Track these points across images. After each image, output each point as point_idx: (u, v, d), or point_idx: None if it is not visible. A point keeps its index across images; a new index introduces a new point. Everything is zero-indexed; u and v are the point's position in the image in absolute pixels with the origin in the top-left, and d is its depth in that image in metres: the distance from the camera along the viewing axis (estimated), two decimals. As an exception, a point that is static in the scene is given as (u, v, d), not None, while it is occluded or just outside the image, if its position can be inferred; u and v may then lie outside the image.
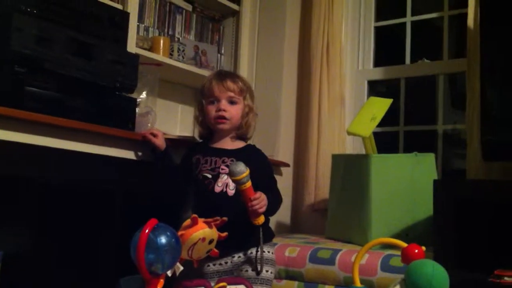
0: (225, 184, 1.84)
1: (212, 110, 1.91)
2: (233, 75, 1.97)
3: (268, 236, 1.90)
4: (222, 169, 1.86)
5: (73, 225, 1.79)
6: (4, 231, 1.65)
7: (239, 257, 1.83)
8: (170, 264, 1.32)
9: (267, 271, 1.83)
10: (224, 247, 1.56)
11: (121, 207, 1.94)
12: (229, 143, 1.95)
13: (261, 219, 1.75)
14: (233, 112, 1.91)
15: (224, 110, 1.89)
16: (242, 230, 1.72)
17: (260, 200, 1.72)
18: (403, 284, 1.30)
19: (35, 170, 1.70)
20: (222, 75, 1.94)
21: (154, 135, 1.97)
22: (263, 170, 1.93)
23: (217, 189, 1.85)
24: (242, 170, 1.68)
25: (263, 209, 1.73)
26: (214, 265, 1.83)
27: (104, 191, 1.89)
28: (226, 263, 1.83)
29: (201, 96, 1.97)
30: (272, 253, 1.89)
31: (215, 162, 1.89)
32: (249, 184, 1.70)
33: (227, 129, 1.93)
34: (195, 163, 1.92)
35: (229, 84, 1.90)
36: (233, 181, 1.72)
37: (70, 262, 1.78)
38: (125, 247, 1.33)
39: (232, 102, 1.91)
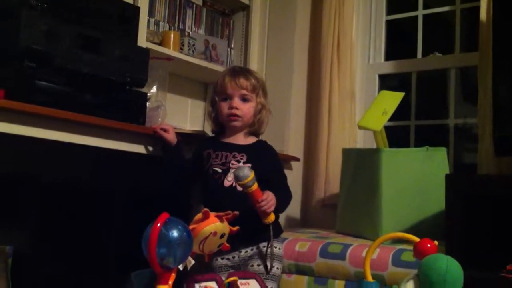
0: (235, 179, 1.84)
1: (224, 107, 1.92)
2: (246, 72, 1.98)
3: (277, 231, 1.90)
4: (233, 164, 1.87)
5: (83, 220, 1.80)
6: (13, 226, 1.66)
7: (246, 252, 1.84)
8: (181, 258, 1.32)
9: (274, 267, 1.83)
10: (232, 242, 1.56)
11: (131, 202, 1.94)
12: (241, 139, 1.97)
13: (271, 218, 1.75)
14: (245, 109, 1.92)
15: (236, 108, 1.91)
16: (250, 225, 1.72)
17: (268, 201, 1.72)
18: (416, 279, 1.29)
19: (44, 165, 1.71)
20: (236, 72, 1.95)
21: (165, 130, 1.97)
22: (274, 166, 1.93)
23: (227, 183, 1.86)
24: (247, 174, 1.69)
25: (271, 209, 1.74)
26: (222, 259, 1.84)
27: (113, 186, 1.89)
28: (233, 257, 1.84)
29: (214, 92, 1.99)
30: (280, 248, 1.89)
31: (226, 157, 1.89)
32: (255, 186, 1.71)
33: (239, 126, 1.94)
34: (206, 157, 1.93)
35: (242, 81, 1.91)
36: (239, 185, 1.73)
37: (80, 257, 1.79)
38: (135, 242, 1.34)
39: (244, 99, 1.92)
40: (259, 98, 1.95)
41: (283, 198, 1.86)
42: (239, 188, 1.81)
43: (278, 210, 1.82)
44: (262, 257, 1.83)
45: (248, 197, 1.72)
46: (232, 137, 1.97)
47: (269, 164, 1.90)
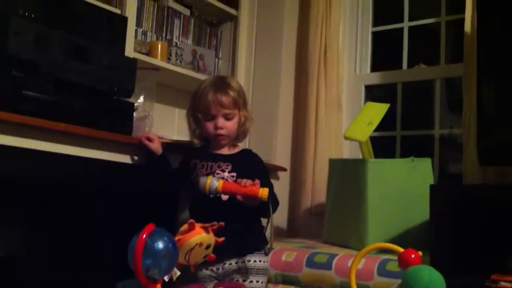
0: None
1: (210, 126, 1.93)
2: (225, 87, 1.95)
3: (260, 243, 1.91)
4: (217, 173, 1.88)
5: (70, 229, 1.79)
6: (1, 234, 1.65)
7: (230, 264, 1.84)
8: (167, 269, 1.32)
9: (258, 281, 1.83)
10: (217, 253, 1.56)
11: (118, 211, 1.94)
12: (226, 150, 1.99)
13: (262, 192, 1.73)
14: (230, 127, 1.94)
15: (221, 128, 1.92)
16: (234, 237, 1.73)
17: (242, 180, 1.75)
18: (400, 289, 1.30)
19: (31, 174, 1.71)
20: (216, 88, 1.93)
21: (150, 140, 1.97)
22: (259, 174, 1.93)
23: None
24: (203, 181, 1.72)
25: (249, 183, 1.75)
26: (206, 269, 1.84)
27: (99, 194, 1.89)
28: (217, 269, 1.84)
29: (195, 110, 1.97)
30: (266, 262, 1.90)
31: (211, 167, 1.91)
32: (220, 182, 1.73)
33: (226, 143, 1.97)
34: (193, 167, 1.93)
35: (224, 99, 1.91)
36: (209, 191, 1.74)
37: (68, 265, 1.78)
38: (122, 250, 1.33)
39: (228, 118, 1.93)
40: (241, 112, 1.97)
41: (275, 199, 1.88)
42: (224, 198, 1.82)
43: (265, 212, 1.82)
44: (246, 272, 1.83)
45: (227, 192, 1.75)
46: (218, 149, 1.98)
47: (255, 172, 1.90)
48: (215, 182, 1.73)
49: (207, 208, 1.83)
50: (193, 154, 1.99)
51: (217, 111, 1.92)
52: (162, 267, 1.30)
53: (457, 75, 2.60)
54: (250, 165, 1.94)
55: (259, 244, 1.89)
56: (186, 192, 1.99)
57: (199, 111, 1.96)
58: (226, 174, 1.88)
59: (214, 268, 1.84)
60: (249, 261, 1.84)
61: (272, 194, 1.93)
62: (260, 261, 1.86)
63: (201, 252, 1.47)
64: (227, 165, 1.90)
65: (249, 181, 1.75)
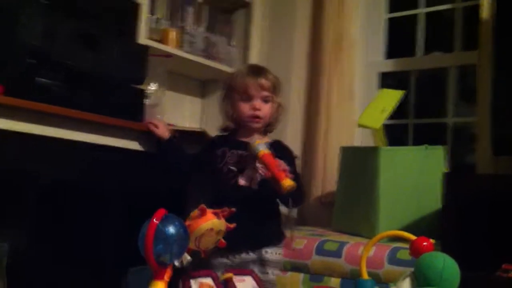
0: (250, 178, 1.85)
1: (245, 107, 1.90)
2: (265, 72, 1.95)
3: (279, 237, 1.92)
4: (248, 162, 1.86)
5: (80, 217, 1.81)
6: (9, 224, 1.66)
7: (248, 254, 1.84)
8: (178, 255, 1.33)
9: (273, 273, 1.85)
10: (237, 242, 1.56)
11: (129, 198, 1.95)
12: (257, 138, 1.92)
13: (290, 183, 1.69)
14: (266, 110, 1.92)
15: (259, 109, 1.90)
16: (259, 227, 1.73)
17: (282, 163, 1.74)
18: (413, 277, 1.30)
19: (42, 162, 1.72)
20: (256, 72, 1.93)
21: (156, 126, 1.97)
22: (290, 167, 1.90)
23: (241, 182, 1.86)
24: (256, 138, 1.75)
25: (287, 171, 1.73)
26: (221, 257, 1.84)
27: (110, 183, 1.90)
28: (234, 257, 1.84)
29: (231, 91, 1.94)
30: (281, 254, 1.90)
31: (241, 155, 1.88)
32: (268, 151, 1.72)
33: (259, 127, 1.94)
34: (221, 156, 1.91)
35: (264, 82, 1.90)
36: (251, 150, 1.74)
37: (77, 254, 1.79)
38: (132, 238, 1.34)
39: (265, 100, 1.92)
40: (277, 98, 1.95)
41: (300, 194, 1.89)
42: (254, 187, 1.82)
43: (295, 202, 1.83)
44: (263, 264, 1.84)
45: (263, 162, 1.72)
46: (248, 137, 1.94)
47: (286, 163, 1.86)
48: (261, 147, 1.72)
49: (235, 197, 1.80)
50: (220, 142, 1.96)
51: (256, 92, 1.89)
52: (173, 252, 1.30)
53: (471, 63, 2.57)
54: (282, 157, 1.87)
55: (278, 238, 1.91)
56: (211, 181, 1.96)
57: (235, 92, 1.92)
58: (257, 164, 1.85)
59: (231, 256, 1.84)
60: (266, 252, 1.85)
61: (299, 188, 1.91)
62: (277, 253, 1.87)
63: (212, 238, 1.47)
64: None
65: (286, 168, 1.74)
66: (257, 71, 1.94)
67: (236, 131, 1.98)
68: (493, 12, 2.23)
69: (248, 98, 1.90)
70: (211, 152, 1.94)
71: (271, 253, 1.87)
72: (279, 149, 1.94)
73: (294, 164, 1.98)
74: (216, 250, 1.57)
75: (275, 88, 1.94)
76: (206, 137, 2.20)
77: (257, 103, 1.90)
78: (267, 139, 1.97)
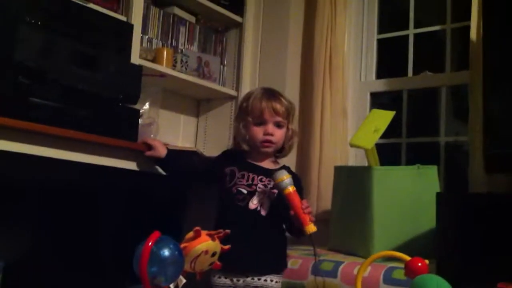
0: (260, 202, 1.83)
1: (259, 132, 1.88)
2: (279, 96, 1.93)
3: (282, 266, 1.91)
4: (259, 187, 1.84)
5: (77, 235, 1.79)
6: (5, 240, 1.65)
7: (253, 279, 1.81)
8: (173, 277, 1.32)
9: None
10: (243, 265, 1.54)
11: (124, 217, 1.94)
12: (267, 163, 1.93)
13: (314, 228, 1.71)
14: (278, 136, 1.90)
15: (271, 134, 1.88)
16: (265, 253, 1.72)
17: (308, 205, 1.72)
18: (407, 299, 1.30)
19: (37, 180, 1.71)
20: (271, 96, 1.91)
21: (150, 148, 1.96)
22: (300, 194, 1.85)
23: (252, 206, 1.83)
24: (284, 172, 1.72)
25: (312, 214, 1.73)
26: (226, 278, 1.81)
27: (105, 200, 1.89)
28: (238, 280, 1.81)
29: (245, 113, 1.92)
30: (279, 282, 1.88)
31: (253, 179, 1.86)
32: (293, 188, 1.71)
33: (270, 152, 1.92)
34: (230, 175, 1.89)
35: (278, 107, 1.88)
36: (277, 184, 1.73)
37: (75, 272, 1.78)
38: (128, 258, 1.33)
39: (278, 125, 1.90)
40: (291, 125, 1.94)
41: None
42: (264, 213, 1.81)
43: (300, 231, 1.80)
44: None
45: (287, 199, 1.71)
46: (260, 160, 1.93)
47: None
48: (288, 184, 1.71)
49: (244, 221, 1.80)
50: (228, 160, 1.93)
51: (269, 117, 1.87)
52: (168, 274, 1.30)
53: (463, 83, 2.59)
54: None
55: (281, 266, 1.90)
56: (218, 201, 1.93)
57: (249, 115, 1.89)
58: (268, 190, 1.84)
59: (235, 279, 1.81)
60: (265, 280, 1.83)
61: None
62: (276, 282, 1.85)
63: (207, 260, 1.47)
64: (269, 181, 1.84)
65: (310, 210, 1.74)
66: (272, 95, 1.92)
67: (246, 152, 1.94)
68: (481, 33, 2.26)
69: (262, 122, 1.88)
70: (221, 170, 1.92)
71: (271, 280, 1.84)
72: (293, 178, 1.88)
73: (302, 190, 1.94)
74: (220, 270, 1.56)
75: (289, 114, 1.92)
76: (200, 156, 2.20)
77: (270, 127, 1.88)
78: (277, 164, 1.96)
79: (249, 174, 1.87)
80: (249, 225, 1.70)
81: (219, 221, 1.88)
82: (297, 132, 1.99)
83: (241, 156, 1.94)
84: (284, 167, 1.93)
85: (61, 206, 1.76)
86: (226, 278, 1.81)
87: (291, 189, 1.71)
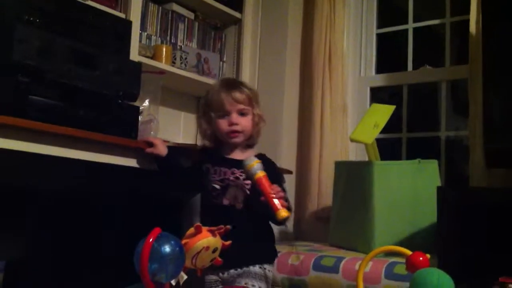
0: (233, 197, 1.82)
1: (223, 124, 1.87)
2: (238, 85, 1.93)
3: (272, 256, 1.89)
4: (232, 181, 1.83)
5: (77, 234, 1.79)
6: (5, 241, 1.65)
7: (236, 269, 1.80)
8: (174, 273, 1.32)
9: (257, 286, 1.79)
10: (225, 261, 1.53)
11: (124, 215, 1.93)
12: (239, 154, 1.91)
13: (285, 213, 1.66)
14: (244, 124, 1.88)
15: (236, 124, 1.86)
16: (248, 246, 1.71)
17: (278, 190, 1.67)
18: (408, 293, 1.30)
19: (37, 178, 1.71)
20: (229, 86, 1.90)
21: (151, 145, 1.95)
22: (275, 180, 1.88)
23: (225, 201, 1.83)
24: (253, 159, 1.68)
25: (282, 198, 1.68)
26: (213, 274, 1.81)
27: (108, 199, 1.89)
28: (223, 274, 1.80)
29: (207, 108, 1.91)
30: (270, 271, 1.85)
31: (224, 173, 1.85)
32: (263, 173, 1.68)
33: (240, 142, 1.90)
34: (205, 172, 1.88)
35: (238, 95, 1.86)
36: (247, 171, 1.70)
37: (72, 271, 1.78)
38: (128, 255, 1.33)
39: (242, 113, 1.88)
40: (255, 110, 1.91)
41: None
42: (239, 207, 1.80)
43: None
44: (248, 275, 1.79)
45: (258, 185, 1.67)
46: (231, 153, 1.92)
47: (270, 178, 1.77)
48: (257, 169, 1.68)
49: (219, 216, 1.78)
50: (205, 157, 1.93)
51: (231, 107, 1.86)
52: (169, 271, 1.29)
53: (462, 77, 2.59)
54: (267, 172, 1.78)
55: (267, 256, 1.87)
56: (195, 195, 1.95)
57: (211, 110, 1.89)
58: (240, 182, 1.83)
59: (220, 274, 1.81)
60: (247, 267, 1.80)
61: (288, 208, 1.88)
62: (260, 267, 1.82)
63: (208, 256, 1.46)
64: (242, 172, 1.82)
65: (282, 194, 1.69)
66: (230, 85, 1.91)
67: (219, 147, 1.94)
68: (481, 26, 2.26)
69: (224, 113, 1.87)
70: (199, 167, 1.92)
71: (260, 267, 1.81)
72: (266, 164, 1.86)
73: (280, 180, 1.92)
74: (208, 268, 1.55)
75: (251, 100, 1.90)
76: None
77: (234, 117, 1.86)
78: (253, 153, 1.92)
79: (221, 169, 1.86)
80: (226, 221, 1.68)
81: (201, 218, 1.89)
82: (263, 117, 1.94)
83: (215, 152, 1.93)
84: (261, 156, 1.89)
85: (61, 204, 1.76)
86: (213, 275, 1.81)
87: (261, 174, 1.67)
